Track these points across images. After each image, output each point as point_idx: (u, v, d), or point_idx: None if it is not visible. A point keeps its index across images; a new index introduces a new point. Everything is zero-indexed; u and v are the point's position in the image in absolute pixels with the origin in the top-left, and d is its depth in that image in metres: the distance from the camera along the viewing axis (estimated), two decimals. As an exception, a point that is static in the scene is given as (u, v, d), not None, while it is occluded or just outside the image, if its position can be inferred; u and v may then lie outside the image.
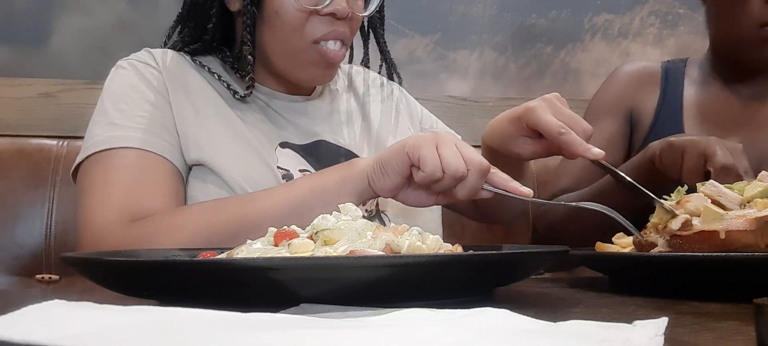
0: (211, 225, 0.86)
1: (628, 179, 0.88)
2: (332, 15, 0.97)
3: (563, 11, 1.79)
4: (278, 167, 0.99)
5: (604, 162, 0.88)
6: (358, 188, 0.86)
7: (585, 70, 1.80)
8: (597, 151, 0.86)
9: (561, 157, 1.19)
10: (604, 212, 0.79)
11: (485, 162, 0.82)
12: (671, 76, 1.29)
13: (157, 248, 0.81)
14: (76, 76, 1.52)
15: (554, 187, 1.27)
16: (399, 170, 0.84)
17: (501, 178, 0.83)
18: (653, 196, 0.79)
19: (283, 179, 0.98)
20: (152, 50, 1.04)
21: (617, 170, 0.89)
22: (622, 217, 0.80)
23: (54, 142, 1.39)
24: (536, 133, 0.90)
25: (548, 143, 0.89)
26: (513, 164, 0.96)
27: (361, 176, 0.86)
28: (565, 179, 1.25)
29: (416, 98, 1.30)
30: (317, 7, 0.96)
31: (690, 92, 1.27)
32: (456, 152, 0.81)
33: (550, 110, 0.88)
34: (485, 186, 0.83)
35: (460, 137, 1.22)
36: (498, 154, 0.96)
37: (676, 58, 1.37)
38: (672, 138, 1.03)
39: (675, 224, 0.72)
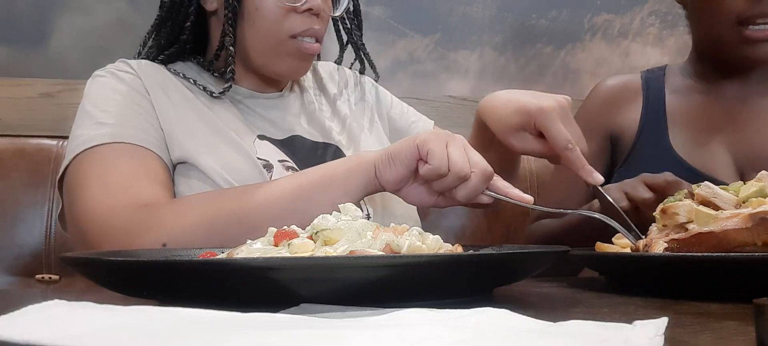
0: (216, 212, 0.87)
1: (619, 209, 0.88)
2: (309, 10, 1.01)
3: (563, 11, 1.79)
4: (258, 158, 1.00)
5: (599, 189, 0.89)
6: (364, 179, 0.87)
7: (585, 70, 1.80)
8: (598, 177, 0.88)
9: (554, 167, 1.20)
10: (603, 220, 0.80)
11: (489, 168, 0.82)
12: (652, 86, 1.28)
13: (157, 248, 0.81)
14: (76, 76, 1.52)
15: (549, 198, 1.27)
16: (406, 162, 0.84)
17: (502, 184, 0.84)
18: (638, 231, 0.81)
19: (263, 168, 0.99)
20: (127, 60, 1.06)
21: (609, 198, 0.89)
22: (618, 224, 0.80)
23: (54, 142, 1.39)
24: (539, 132, 0.90)
25: (547, 147, 0.91)
26: (505, 152, 0.98)
27: (369, 166, 0.87)
28: (557, 193, 1.25)
29: (416, 98, 1.31)
30: (296, 4, 1.00)
31: (672, 99, 1.26)
32: (463, 153, 0.82)
33: (561, 119, 0.88)
34: (486, 191, 0.83)
35: (432, 123, 1.24)
36: (488, 130, 0.97)
37: (655, 66, 1.35)
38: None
39: (659, 247, 0.73)
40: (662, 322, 0.42)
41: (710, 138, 1.19)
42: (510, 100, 0.94)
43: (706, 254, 0.69)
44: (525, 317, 0.45)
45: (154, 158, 0.96)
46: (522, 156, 1.08)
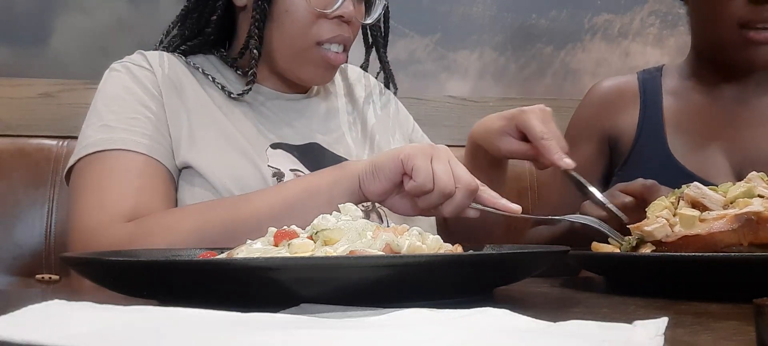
0: (205, 224, 0.87)
1: (600, 196, 0.91)
2: (339, 17, 0.99)
3: (563, 11, 1.79)
4: (269, 166, 0.99)
5: (574, 174, 0.93)
6: (349, 190, 0.87)
7: (585, 70, 1.80)
8: (568, 162, 0.92)
9: (550, 172, 1.21)
10: (592, 225, 0.80)
11: (474, 182, 0.82)
12: (649, 89, 1.27)
13: (157, 248, 0.81)
14: (76, 76, 1.52)
15: (547, 202, 1.27)
16: (390, 177, 0.84)
17: (489, 195, 0.84)
18: (621, 214, 0.83)
19: (273, 176, 0.98)
20: (146, 52, 1.05)
21: (587, 185, 0.92)
22: (608, 227, 0.81)
23: (54, 142, 1.39)
24: (521, 135, 0.95)
25: (528, 147, 0.95)
26: (493, 163, 1.02)
27: (353, 178, 0.87)
28: (554, 197, 1.25)
29: (416, 98, 1.31)
30: (326, 11, 0.98)
31: (669, 102, 1.24)
32: (448, 169, 0.82)
33: (540, 119, 0.94)
34: (473, 205, 0.83)
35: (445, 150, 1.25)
36: (479, 149, 1.01)
37: (652, 66, 1.34)
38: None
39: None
40: (662, 322, 0.42)
41: (709, 142, 1.18)
42: (496, 114, 1.00)
43: (706, 253, 0.69)
44: (525, 317, 0.45)
45: (157, 167, 0.95)
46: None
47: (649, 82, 1.28)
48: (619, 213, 0.87)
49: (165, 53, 1.06)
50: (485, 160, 1.01)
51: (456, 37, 1.74)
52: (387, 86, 1.22)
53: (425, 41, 1.73)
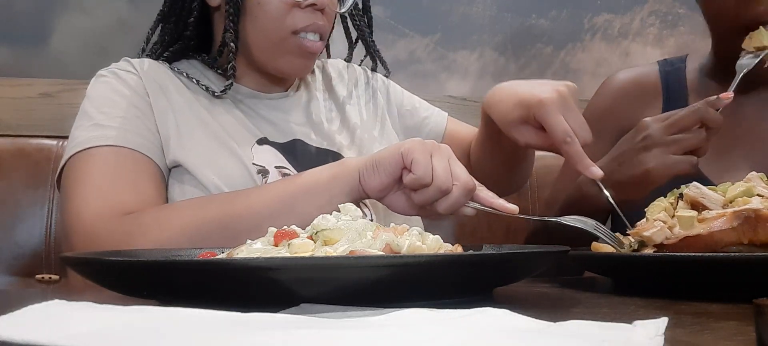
0: (201, 219, 0.87)
1: (615, 205, 0.88)
2: (312, 6, 1.00)
3: (563, 11, 1.79)
4: (254, 163, 1.00)
5: (599, 183, 0.88)
6: (348, 186, 0.87)
7: (585, 70, 1.80)
8: (595, 171, 0.86)
9: (562, 164, 1.18)
10: (586, 229, 0.79)
11: (471, 181, 0.82)
12: (672, 82, 1.20)
13: (156, 248, 0.81)
14: (76, 76, 1.52)
15: (556, 196, 1.24)
16: (391, 171, 0.84)
17: (486, 195, 0.84)
18: (628, 224, 0.81)
19: (258, 173, 0.99)
20: (131, 60, 1.06)
21: (608, 195, 0.89)
22: (604, 229, 0.80)
23: (54, 142, 1.39)
24: (541, 124, 0.89)
25: (549, 140, 0.89)
26: (514, 143, 0.96)
27: (353, 173, 0.87)
28: (566, 189, 1.23)
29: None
30: (299, 0, 0.99)
31: (693, 100, 1.15)
32: (446, 166, 0.82)
33: (561, 110, 0.87)
34: (469, 204, 0.83)
35: (446, 115, 1.23)
36: (496, 127, 0.96)
37: (674, 56, 1.27)
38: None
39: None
40: (662, 322, 0.42)
41: (729, 147, 1.14)
42: (511, 94, 0.93)
43: (706, 254, 0.68)
44: (525, 317, 0.45)
45: (148, 163, 0.96)
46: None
47: (672, 75, 1.22)
48: (622, 216, 0.86)
49: (148, 60, 1.08)
50: (502, 135, 0.96)
51: (456, 37, 1.74)
52: (374, 69, 1.21)
53: (425, 41, 1.73)
